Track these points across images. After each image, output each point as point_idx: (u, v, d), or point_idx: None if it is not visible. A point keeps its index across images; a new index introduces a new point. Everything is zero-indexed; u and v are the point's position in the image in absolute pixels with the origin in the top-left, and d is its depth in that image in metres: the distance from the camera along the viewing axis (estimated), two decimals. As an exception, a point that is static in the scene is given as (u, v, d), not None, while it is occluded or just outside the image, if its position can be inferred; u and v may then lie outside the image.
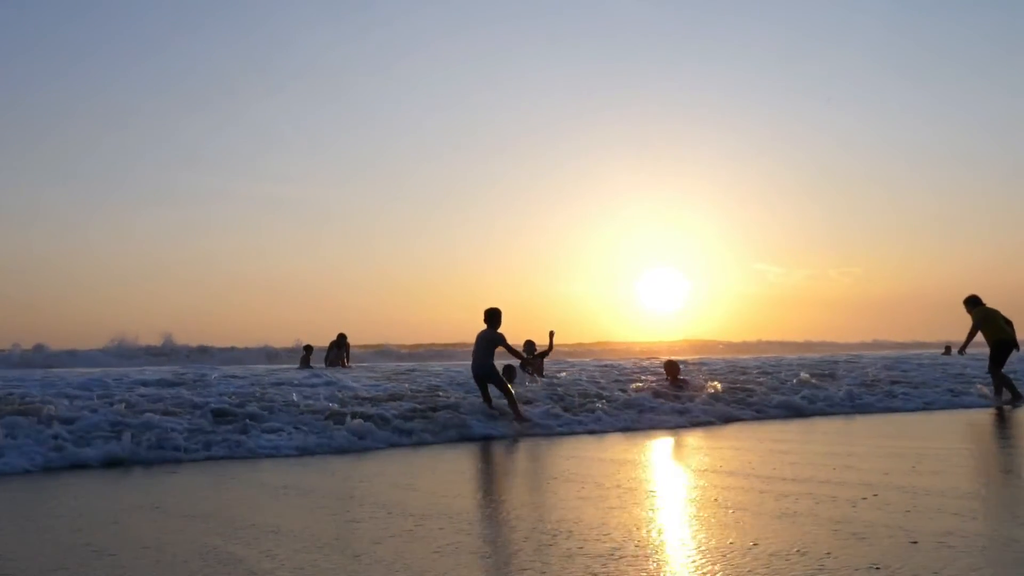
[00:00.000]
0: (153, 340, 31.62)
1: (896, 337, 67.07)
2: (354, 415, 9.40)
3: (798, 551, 3.68)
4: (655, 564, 3.57)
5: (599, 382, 13.75)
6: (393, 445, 8.82)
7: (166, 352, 30.40)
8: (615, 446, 8.64)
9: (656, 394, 12.32)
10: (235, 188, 64.46)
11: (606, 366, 19.04)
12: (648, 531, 4.26)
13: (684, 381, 13.57)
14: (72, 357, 28.43)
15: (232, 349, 33.82)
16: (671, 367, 13.83)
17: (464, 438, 9.38)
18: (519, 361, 11.40)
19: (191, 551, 3.86)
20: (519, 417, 10.09)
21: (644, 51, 70.74)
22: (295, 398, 10.27)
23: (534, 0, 67.13)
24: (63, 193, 58.41)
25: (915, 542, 3.75)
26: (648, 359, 28.80)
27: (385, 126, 68.83)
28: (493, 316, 10.49)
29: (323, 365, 20.39)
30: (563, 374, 15.15)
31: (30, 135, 57.37)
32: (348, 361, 20.75)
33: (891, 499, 4.92)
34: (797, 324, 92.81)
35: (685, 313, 65.94)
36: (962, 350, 13.92)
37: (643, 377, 14.83)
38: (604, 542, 3.95)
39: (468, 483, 6.46)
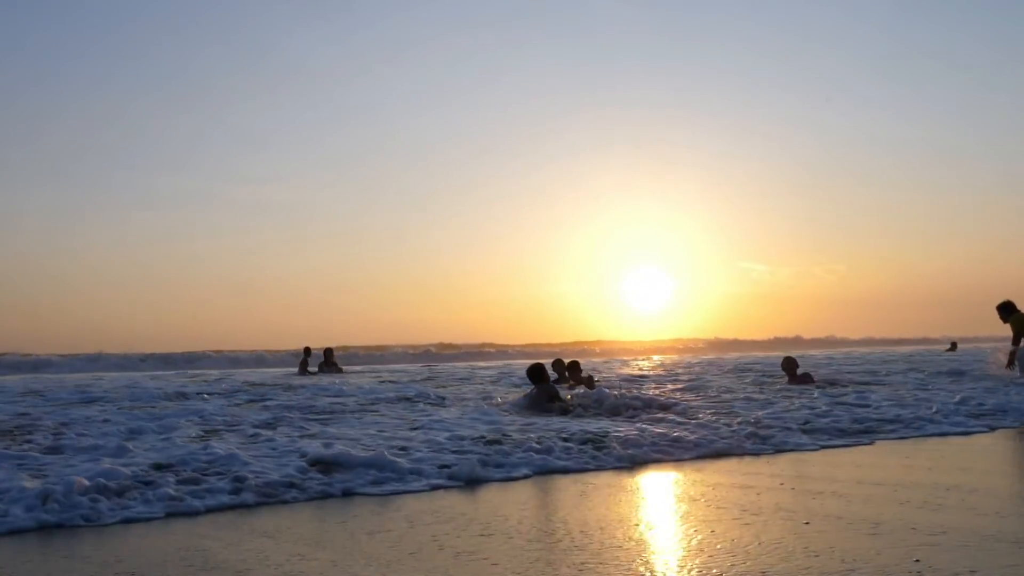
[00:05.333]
0: (141, 346, 31.06)
1: (881, 333, 67.01)
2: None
3: (712, 531, 3.85)
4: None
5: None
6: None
7: (154, 358, 29.78)
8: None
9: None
10: (221, 191, 64.20)
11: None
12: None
13: (806, 376, 12.82)
14: (52, 364, 27.67)
15: (222, 353, 33.20)
16: (790, 364, 13.01)
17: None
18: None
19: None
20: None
21: (628, 52, 70.79)
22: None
23: (518, 2, 66.79)
24: (48, 196, 58.10)
25: (807, 523, 3.97)
26: (645, 358, 28.32)
27: (370, 128, 68.62)
28: (542, 373, 10.09)
29: (316, 369, 21.03)
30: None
31: (15, 138, 57.04)
32: (338, 369, 21.26)
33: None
34: (782, 322, 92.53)
35: (671, 312, 66.00)
36: (1011, 363, 13.13)
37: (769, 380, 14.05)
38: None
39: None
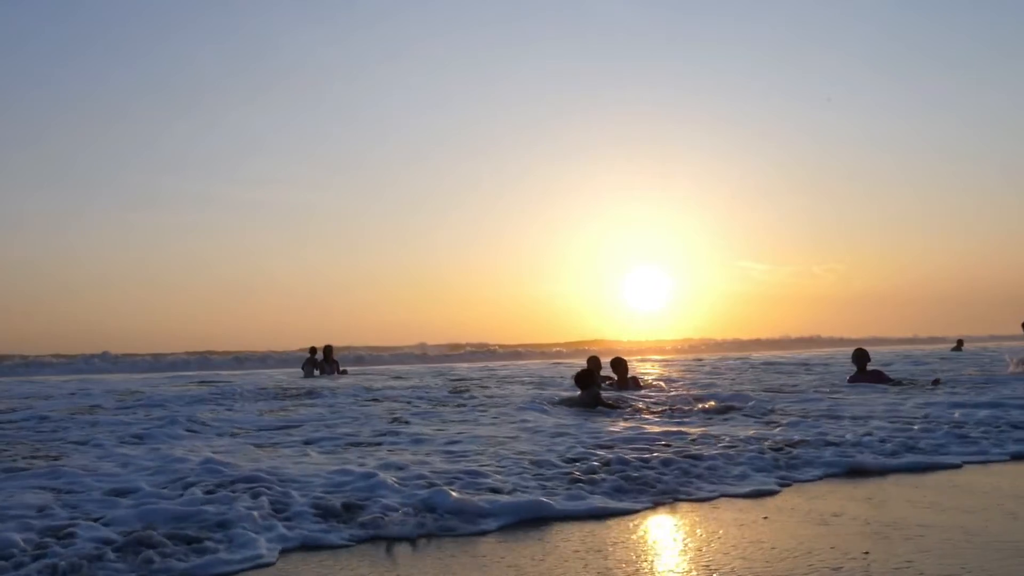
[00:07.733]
0: (141, 347, 30.89)
1: (883, 332, 66.87)
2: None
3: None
4: None
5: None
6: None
7: (160, 359, 29.59)
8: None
9: None
10: (219, 192, 63.82)
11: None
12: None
13: (878, 373, 11.93)
14: (54, 367, 27.54)
15: (225, 354, 33.03)
16: (861, 356, 11.98)
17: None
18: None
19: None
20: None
21: (626, 51, 70.44)
22: None
23: (516, 2, 66.57)
24: (48, 197, 57.58)
25: (767, 517, 4.18)
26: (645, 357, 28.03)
27: (368, 129, 68.27)
28: (591, 377, 10.07)
29: (318, 372, 20.06)
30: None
31: (15, 140, 56.48)
32: (340, 368, 20.59)
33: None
34: (782, 321, 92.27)
35: (671, 311, 65.89)
36: None
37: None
38: None
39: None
